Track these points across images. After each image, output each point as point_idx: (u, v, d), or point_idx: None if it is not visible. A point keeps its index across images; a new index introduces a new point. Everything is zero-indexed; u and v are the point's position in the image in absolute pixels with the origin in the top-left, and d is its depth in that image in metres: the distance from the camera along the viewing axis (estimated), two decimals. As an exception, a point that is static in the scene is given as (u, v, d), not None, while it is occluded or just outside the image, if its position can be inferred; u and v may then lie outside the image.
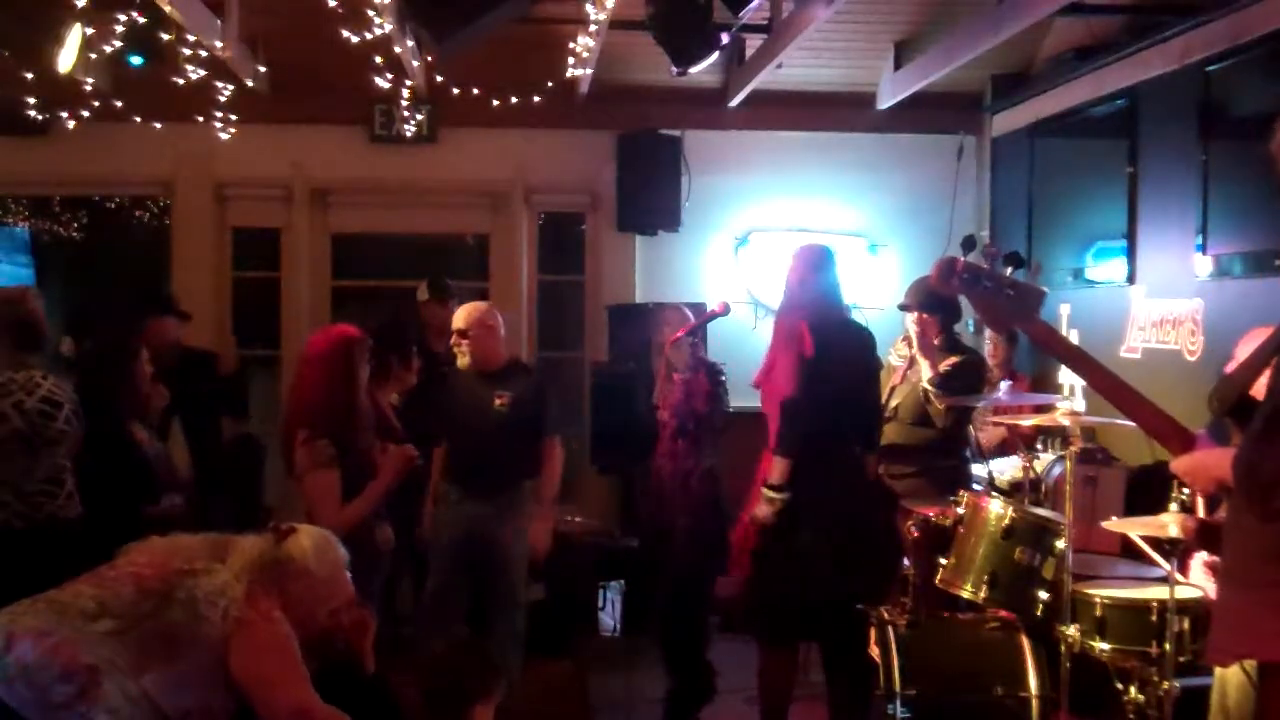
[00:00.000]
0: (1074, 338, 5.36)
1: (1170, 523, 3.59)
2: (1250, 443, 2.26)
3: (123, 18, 5.48)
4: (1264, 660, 2.31)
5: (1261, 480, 2.23)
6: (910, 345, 5.17)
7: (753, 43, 7.07)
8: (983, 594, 4.10)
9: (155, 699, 2.81)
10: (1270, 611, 2.25)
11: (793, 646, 4.70)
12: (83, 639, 2.78)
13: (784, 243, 7.35)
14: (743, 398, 5.16)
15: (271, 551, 3.05)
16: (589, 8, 5.77)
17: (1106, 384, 2.63)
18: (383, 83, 6.19)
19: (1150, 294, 6.08)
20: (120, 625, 2.84)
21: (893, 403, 5.10)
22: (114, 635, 2.82)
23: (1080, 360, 2.68)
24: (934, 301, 5.00)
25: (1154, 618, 3.82)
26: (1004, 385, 5.14)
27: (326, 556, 3.13)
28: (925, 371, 5.02)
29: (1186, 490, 3.49)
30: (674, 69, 5.87)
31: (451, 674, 3.34)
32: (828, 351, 4.42)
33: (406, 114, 7.50)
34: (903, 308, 5.25)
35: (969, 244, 2.81)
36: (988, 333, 7.08)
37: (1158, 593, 3.88)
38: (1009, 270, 2.55)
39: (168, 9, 5.27)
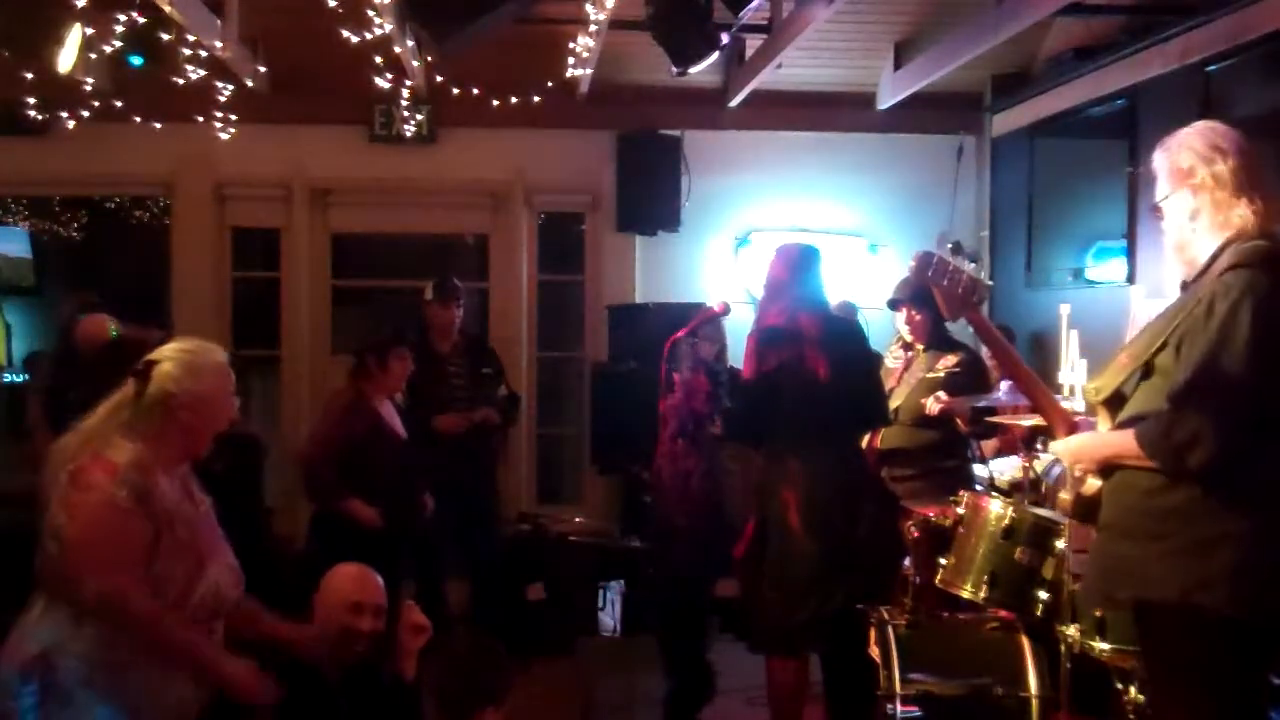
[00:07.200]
0: (1074, 338, 5.34)
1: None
2: (1167, 415, 2.63)
3: (123, 18, 5.48)
4: (1149, 600, 2.72)
5: (1175, 444, 2.59)
6: (906, 348, 5.16)
7: (753, 43, 7.06)
8: (983, 594, 4.09)
9: (109, 636, 2.76)
10: (1156, 559, 2.68)
11: (800, 655, 4.53)
12: (23, 632, 2.78)
13: (784, 243, 7.34)
14: (742, 398, 5.15)
15: (134, 401, 2.85)
16: (589, 8, 5.77)
17: (1013, 368, 3.26)
18: (383, 83, 6.18)
19: (1150, 294, 6.06)
20: (45, 594, 2.80)
21: (891, 405, 5.08)
22: (48, 609, 2.78)
23: (1001, 349, 3.30)
24: (924, 297, 5.00)
25: (1154, 618, 3.82)
26: (1004, 385, 5.13)
27: (202, 373, 2.93)
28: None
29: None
30: (674, 69, 5.87)
31: (465, 675, 3.32)
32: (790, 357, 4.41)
33: (406, 114, 7.49)
34: (892, 305, 5.26)
35: (958, 248, 3.22)
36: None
37: (1157, 593, 3.88)
38: (954, 257, 3.14)
39: (168, 9, 5.27)
